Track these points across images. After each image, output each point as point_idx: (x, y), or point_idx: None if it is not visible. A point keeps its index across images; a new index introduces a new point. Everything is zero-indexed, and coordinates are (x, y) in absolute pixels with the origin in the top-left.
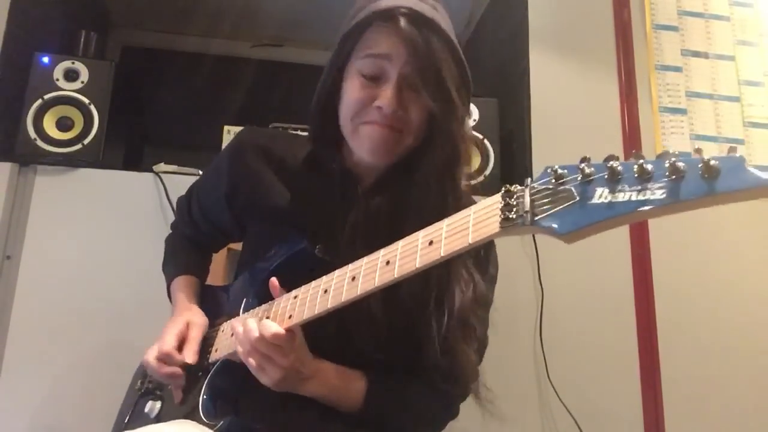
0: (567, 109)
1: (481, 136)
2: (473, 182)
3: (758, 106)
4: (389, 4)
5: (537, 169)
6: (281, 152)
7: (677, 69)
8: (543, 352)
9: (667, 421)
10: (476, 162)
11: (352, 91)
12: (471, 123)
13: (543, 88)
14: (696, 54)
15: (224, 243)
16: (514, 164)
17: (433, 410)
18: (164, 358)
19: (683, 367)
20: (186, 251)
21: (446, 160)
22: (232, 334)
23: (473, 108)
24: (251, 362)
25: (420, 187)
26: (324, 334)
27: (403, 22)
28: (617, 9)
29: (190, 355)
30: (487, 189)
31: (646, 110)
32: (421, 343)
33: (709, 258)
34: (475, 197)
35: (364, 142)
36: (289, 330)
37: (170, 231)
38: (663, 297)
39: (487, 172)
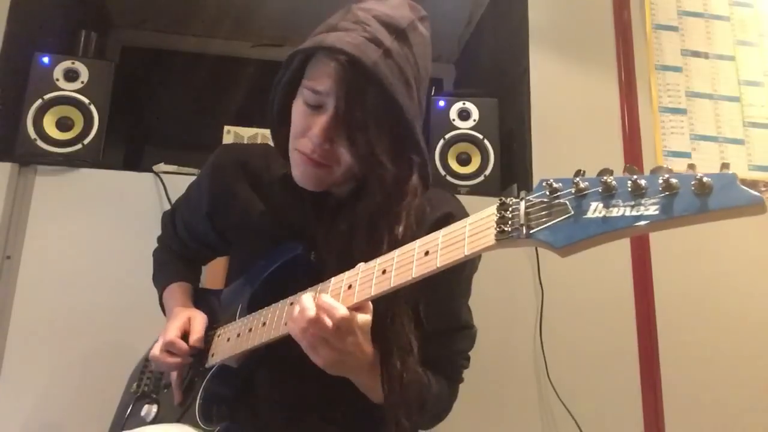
0: (567, 109)
1: (481, 136)
2: (473, 182)
3: (758, 106)
4: (333, 43)
5: (537, 168)
6: (257, 166)
7: (677, 69)
8: (543, 352)
9: (667, 421)
10: (476, 162)
11: (296, 115)
12: (416, 180)
13: (543, 88)
14: (696, 54)
15: (212, 257)
16: (514, 164)
17: (445, 401)
18: (169, 347)
19: (683, 367)
20: (174, 263)
21: (377, 210)
22: (228, 339)
23: (473, 108)
24: (303, 342)
25: (352, 230)
26: None
27: (340, 68)
28: (617, 9)
29: (195, 340)
30: (486, 189)
31: (646, 110)
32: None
33: (709, 257)
34: (474, 198)
35: (295, 170)
36: (354, 309)
37: (157, 245)
38: (663, 297)
39: (487, 172)
